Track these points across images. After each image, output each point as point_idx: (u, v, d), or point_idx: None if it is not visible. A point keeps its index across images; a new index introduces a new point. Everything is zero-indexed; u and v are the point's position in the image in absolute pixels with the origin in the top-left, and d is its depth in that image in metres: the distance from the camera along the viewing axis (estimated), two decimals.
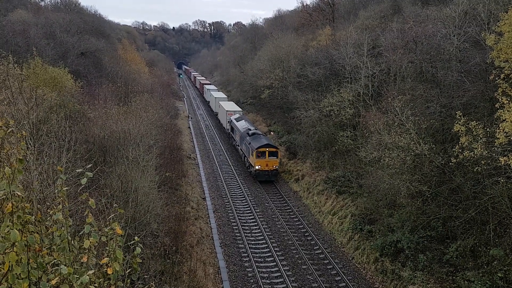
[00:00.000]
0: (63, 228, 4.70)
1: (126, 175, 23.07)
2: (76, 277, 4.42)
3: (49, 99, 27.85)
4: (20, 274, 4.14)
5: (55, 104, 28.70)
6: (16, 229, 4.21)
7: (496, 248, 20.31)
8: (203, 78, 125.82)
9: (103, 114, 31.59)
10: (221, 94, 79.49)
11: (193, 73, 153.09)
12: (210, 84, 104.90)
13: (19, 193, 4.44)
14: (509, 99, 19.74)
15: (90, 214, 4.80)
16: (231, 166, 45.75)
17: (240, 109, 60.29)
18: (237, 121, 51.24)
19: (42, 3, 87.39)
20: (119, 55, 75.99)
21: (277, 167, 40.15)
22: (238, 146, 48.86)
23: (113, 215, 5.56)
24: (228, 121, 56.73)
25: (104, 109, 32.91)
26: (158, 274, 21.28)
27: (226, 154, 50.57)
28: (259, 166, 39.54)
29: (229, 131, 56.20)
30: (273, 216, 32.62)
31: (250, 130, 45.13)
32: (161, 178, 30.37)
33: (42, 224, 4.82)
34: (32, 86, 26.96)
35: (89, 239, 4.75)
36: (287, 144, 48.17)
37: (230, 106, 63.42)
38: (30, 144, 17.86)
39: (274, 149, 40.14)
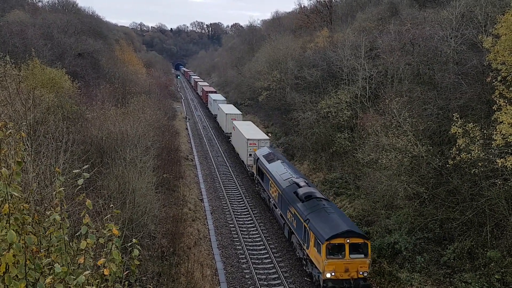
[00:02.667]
0: (60, 230, 4.70)
1: (124, 176, 23.04)
2: (73, 278, 4.41)
3: (47, 100, 27.79)
4: (17, 275, 4.12)
5: (53, 105, 28.63)
6: (13, 229, 4.20)
7: (493, 250, 20.36)
8: (206, 84, 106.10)
9: (100, 115, 31.54)
10: (233, 109, 60.89)
11: (193, 76, 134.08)
12: (216, 92, 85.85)
13: (16, 194, 4.43)
14: (506, 101, 19.82)
15: (87, 215, 4.80)
16: (229, 167, 45.71)
17: (267, 137, 42.33)
18: (269, 161, 32.88)
19: (40, 4, 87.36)
20: (117, 56, 75.86)
21: (366, 273, 21.50)
22: (276, 207, 29.54)
23: (109, 215, 5.56)
24: (251, 156, 39.18)
25: (101, 110, 32.86)
26: (156, 276, 21.25)
27: (223, 156, 50.53)
28: (333, 273, 21.00)
29: (254, 173, 37.72)
30: (271, 218, 32.59)
31: (300, 186, 26.43)
32: (159, 179, 30.33)
33: (39, 226, 4.82)
34: (30, 87, 26.91)
35: (86, 240, 4.74)
36: (285, 146, 48.21)
37: (252, 131, 44.35)
38: (27, 145, 17.80)
39: (360, 240, 21.41)
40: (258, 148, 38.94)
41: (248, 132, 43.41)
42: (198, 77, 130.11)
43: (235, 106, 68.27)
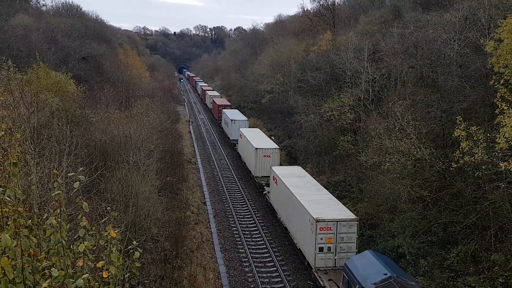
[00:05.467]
0: (58, 233, 4.72)
1: (127, 179, 23.09)
2: (72, 281, 4.42)
3: (51, 103, 27.95)
4: (14, 279, 4.12)
5: (57, 108, 28.79)
6: (9, 234, 4.21)
7: (497, 254, 20.25)
8: (217, 94, 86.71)
9: (104, 119, 31.69)
10: (264, 139, 42.38)
11: (200, 84, 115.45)
12: (230, 106, 68.49)
13: (8, 198, 4.43)
14: (508, 105, 19.75)
15: (84, 218, 4.81)
16: (232, 171, 45.71)
17: (353, 216, 22.86)
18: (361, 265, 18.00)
19: (44, 8, 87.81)
20: (120, 59, 76.25)
21: None
22: None
23: (108, 217, 5.57)
24: (323, 251, 22.20)
25: (105, 113, 33.00)
26: (158, 279, 21.25)
27: (226, 159, 50.53)
28: None
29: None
30: (273, 221, 32.54)
31: None
32: (162, 182, 30.38)
33: (39, 229, 4.83)
34: (34, 91, 27.07)
35: (83, 243, 4.75)
36: (288, 149, 48.18)
37: (315, 196, 25.77)
38: (30, 148, 17.87)
39: None
40: (337, 237, 21.94)
41: (310, 200, 24.59)
42: (206, 85, 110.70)
43: (238, 109, 66.75)
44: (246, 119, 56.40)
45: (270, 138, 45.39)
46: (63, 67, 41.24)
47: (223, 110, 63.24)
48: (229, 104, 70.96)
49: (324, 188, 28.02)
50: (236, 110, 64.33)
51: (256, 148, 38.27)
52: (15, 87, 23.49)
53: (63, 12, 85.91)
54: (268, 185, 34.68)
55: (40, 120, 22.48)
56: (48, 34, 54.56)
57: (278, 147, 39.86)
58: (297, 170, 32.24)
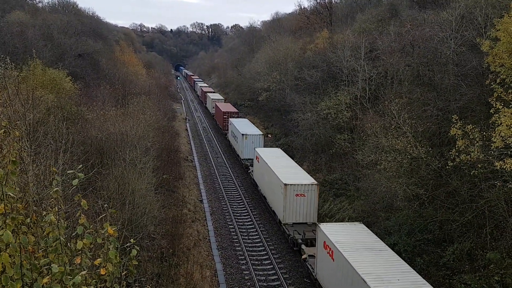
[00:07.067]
0: (56, 230, 4.71)
1: (123, 177, 23.04)
2: (69, 278, 4.42)
3: (47, 100, 27.85)
4: (13, 275, 4.13)
5: (53, 105, 28.69)
6: (9, 230, 4.21)
7: (492, 252, 20.35)
8: (221, 97, 75.54)
9: (100, 116, 31.60)
10: (298, 171, 30.53)
11: (199, 84, 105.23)
12: (238, 114, 57.62)
13: (11, 194, 4.43)
14: (503, 104, 19.83)
15: (83, 215, 4.81)
16: (228, 168, 45.69)
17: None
18: None
19: (40, 5, 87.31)
20: (117, 57, 76.01)
21: None
22: None
23: (105, 215, 5.57)
24: None
25: (101, 110, 32.91)
26: (155, 277, 21.25)
27: (223, 156, 50.51)
28: None
29: None
30: (270, 219, 32.58)
31: None
32: (158, 180, 30.34)
33: (37, 226, 4.83)
34: (30, 88, 26.97)
35: (82, 240, 4.75)
36: (285, 147, 48.19)
37: (396, 282, 16.33)
38: (26, 145, 17.79)
39: None
40: None
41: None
42: (207, 86, 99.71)
43: (234, 107, 66.14)
44: (261, 133, 44.45)
45: (267, 136, 44.75)
46: (59, 64, 41.08)
47: (230, 119, 51.72)
48: (236, 111, 58.97)
49: (420, 277, 17.32)
50: (246, 119, 53.17)
51: (286, 184, 26.93)
52: (10, 84, 23.38)
53: (59, 8, 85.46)
54: (307, 243, 24.57)
55: (36, 117, 22.38)
56: (44, 31, 54.31)
57: (316, 182, 27.85)
58: (362, 232, 20.82)
